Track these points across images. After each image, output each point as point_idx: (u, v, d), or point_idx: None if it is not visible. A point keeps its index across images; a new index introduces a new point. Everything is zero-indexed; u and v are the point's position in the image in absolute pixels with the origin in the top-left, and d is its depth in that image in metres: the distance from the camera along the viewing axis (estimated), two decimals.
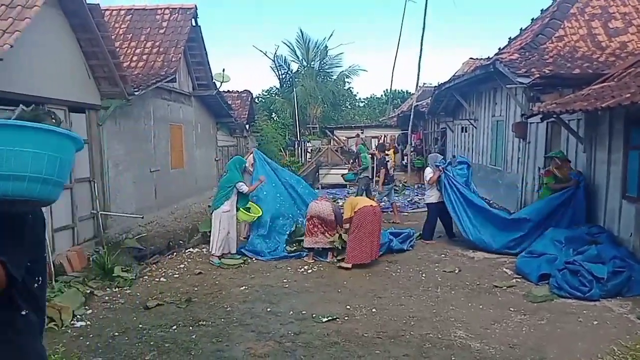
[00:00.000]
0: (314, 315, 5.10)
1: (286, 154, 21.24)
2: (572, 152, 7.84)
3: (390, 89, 30.38)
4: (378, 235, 7.17)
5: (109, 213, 8.32)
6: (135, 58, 10.66)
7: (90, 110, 7.99)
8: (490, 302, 5.49)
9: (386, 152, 12.53)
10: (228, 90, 17.76)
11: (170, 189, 10.81)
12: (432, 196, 8.45)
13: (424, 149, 18.09)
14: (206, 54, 12.42)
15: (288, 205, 8.34)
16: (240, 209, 7.54)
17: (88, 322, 5.05)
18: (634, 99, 5.02)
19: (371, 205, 7.25)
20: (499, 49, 11.87)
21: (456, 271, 6.72)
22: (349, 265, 6.85)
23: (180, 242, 8.69)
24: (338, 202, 12.92)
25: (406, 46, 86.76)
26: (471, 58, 19.27)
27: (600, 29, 9.94)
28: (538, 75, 8.21)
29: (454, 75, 14.66)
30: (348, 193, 14.58)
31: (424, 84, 23.43)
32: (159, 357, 4.20)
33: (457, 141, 15.44)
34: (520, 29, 12.11)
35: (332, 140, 23.44)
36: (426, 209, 8.96)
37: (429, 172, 8.51)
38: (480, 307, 5.34)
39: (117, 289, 6.15)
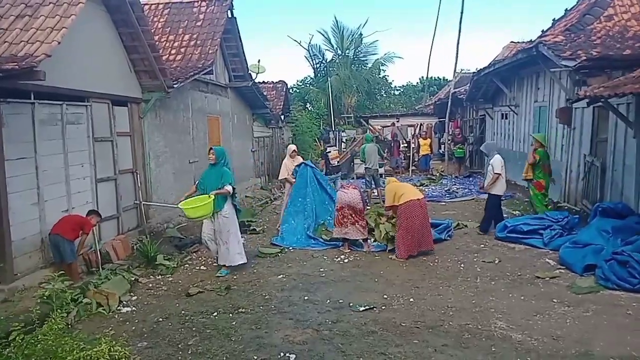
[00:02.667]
0: (351, 304, 5.12)
1: (321, 144, 21.24)
2: (620, 139, 7.46)
3: (427, 76, 29.69)
4: (428, 227, 7.11)
5: (151, 203, 8.59)
6: (173, 51, 10.88)
7: (132, 103, 8.23)
8: (532, 293, 5.34)
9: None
10: (263, 81, 17.88)
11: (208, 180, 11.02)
12: (496, 187, 8.08)
13: (464, 138, 17.57)
14: (242, 45, 12.53)
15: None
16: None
17: (133, 308, 5.26)
18: None
19: (417, 198, 7.05)
20: (542, 31, 11.36)
21: (496, 261, 6.57)
22: (403, 257, 6.80)
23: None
24: (374, 192, 12.87)
25: (443, 32, 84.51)
26: (512, 42, 18.57)
27: None
28: (585, 58, 7.83)
29: (494, 60, 14.18)
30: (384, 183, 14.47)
31: (462, 70, 22.82)
32: (201, 342, 4.33)
33: (497, 128, 14.98)
34: (565, 10, 11.54)
35: (367, 130, 23.24)
36: (472, 198, 8.69)
37: (498, 163, 8.04)
38: (522, 298, 5.20)
39: (159, 277, 6.37)
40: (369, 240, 7.44)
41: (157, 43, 9.07)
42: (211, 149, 6.71)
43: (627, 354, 3.84)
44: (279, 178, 9.40)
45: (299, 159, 9.44)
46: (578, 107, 8.75)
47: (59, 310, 3.27)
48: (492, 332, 4.33)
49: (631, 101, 7.03)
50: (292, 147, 9.66)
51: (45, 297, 4.76)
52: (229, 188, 6.34)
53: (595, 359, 3.78)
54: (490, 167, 8.20)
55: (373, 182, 12.00)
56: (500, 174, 8.00)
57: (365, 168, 12.03)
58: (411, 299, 5.25)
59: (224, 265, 6.46)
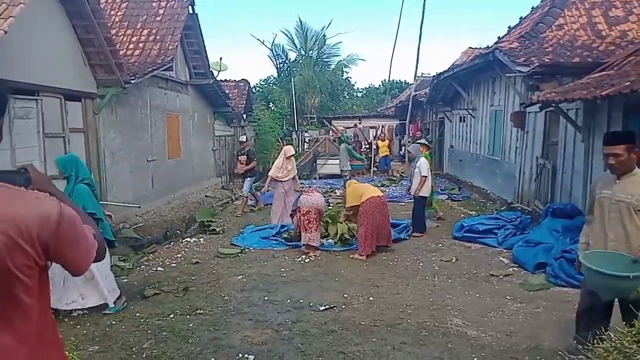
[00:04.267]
0: (311, 304, 5.11)
1: (284, 145, 21.18)
2: (570, 142, 7.83)
3: (389, 79, 30.28)
4: (388, 223, 7.22)
5: (106, 202, 8.26)
6: (131, 46, 10.55)
7: (86, 98, 7.92)
8: (486, 290, 5.50)
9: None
10: (225, 80, 17.63)
11: (167, 178, 10.77)
12: (423, 189, 8.17)
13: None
14: (203, 42, 12.32)
15: None
16: None
17: (85, 311, 5.03)
18: (634, 87, 4.99)
19: (378, 195, 7.15)
20: (499, 37, 11.78)
21: (453, 260, 6.73)
22: (364, 257, 6.84)
23: (178, 231, 8.69)
24: (336, 192, 12.98)
25: (405, 36, 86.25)
26: (470, 47, 19.18)
27: (600, 17, 9.87)
28: (537, 64, 8.15)
29: (453, 65, 14.57)
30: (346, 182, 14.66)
31: (422, 74, 23.31)
32: (157, 345, 4.20)
33: (455, 131, 15.39)
34: (520, 18, 12.01)
35: (330, 131, 23.36)
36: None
37: (424, 165, 8.16)
38: (477, 295, 5.35)
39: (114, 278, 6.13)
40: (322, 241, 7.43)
41: (114, 37, 8.77)
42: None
43: (573, 347, 4.01)
44: (270, 173, 9.38)
45: (293, 162, 9.39)
46: (531, 112, 9.11)
47: None
48: (448, 329, 4.43)
49: (580, 107, 7.38)
50: (291, 149, 9.40)
51: None
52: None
53: (545, 353, 3.92)
54: (417, 169, 8.27)
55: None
56: (426, 177, 8.12)
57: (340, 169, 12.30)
58: (371, 298, 5.30)
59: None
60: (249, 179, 11.04)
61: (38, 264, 1.25)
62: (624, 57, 7.70)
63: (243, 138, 11.63)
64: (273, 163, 9.64)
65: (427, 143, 9.31)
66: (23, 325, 1.24)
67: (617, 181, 3.25)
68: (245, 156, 11.24)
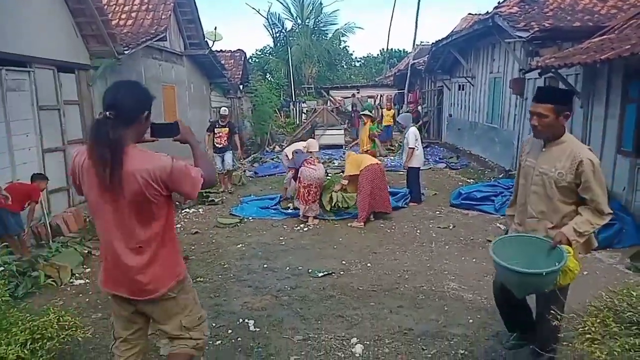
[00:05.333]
0: (309, 271, 5.18)
1: (281, 115, 21.02)
2: None
3: (387, 47, 29.75)
4: (386, 190, 7.29)
5: None
6: (123, 16, 10.33)
7: (79, 70, 7.80)
8: (483, 256, 5.57)
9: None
10: (221, 50, 17.37)
11: (164, 150, 10.70)
12: (413, 160, 8.09)
13: (418, 114, 17.22)
14: (197, 11, 12.05)
15: None
16: None
17: (87, 280, 5.12)
18: (634, 50, 4.94)
19: (377, 162, 7.22)
20: (499, 2, 11.54)
21: (450, 227, 6.79)
22: (362, 225, 6.89)
23: (177, 203, 8.71)
24: (334, 163, 12.97)
25: (403, 4, 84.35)
26: (470, 14, 18.81)
27: None
28: (537, 29, 8.03)
29: (452, 32, 14.32)
30: (344, 154, 14.56)
31: (422, 42, 22.94)
32: None
33: (454, 99, 15.27)
34: None
35: (328, 101, 23.16)
36: (429, 168, 8.81)
37: (412, 136, 8.02)
38: (474, 260, 5.43)
39: None
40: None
41: (105, 7, 8.59)
42: None
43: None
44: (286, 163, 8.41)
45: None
46: (530, 78, 9.01)
47: (2, 283, 3.12)
48: (445, 293, 4.51)
49: (579, 72, 7.31)
50: (315, 145, 7.65)
51: None
52: None
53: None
54: (405, 141, 8.19)
55: None
56: (414, 148, 8.01)
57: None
58: (369, 264, 5.37)
59: None
60: (230, 152, 9.89)
61: (162, 194, 2.13)
62: (626, 20, 7.57)
63: (225, 111, 9.95)
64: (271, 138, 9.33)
65: (370, 114, 9.22)
66: (155, 225, 2.18)
67: (544, 149, 2.81)
68: (227, 128, 9.81)
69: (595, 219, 2.68)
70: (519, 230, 2.97)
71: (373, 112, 13.87)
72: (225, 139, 9.79)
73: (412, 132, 8.15)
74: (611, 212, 2.73)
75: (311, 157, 7.25)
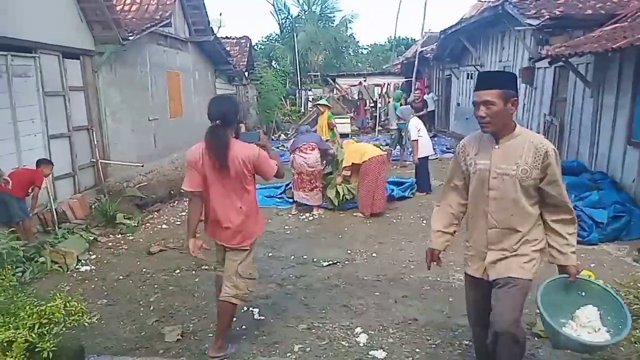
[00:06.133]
0: (314, 260, 5.17)
1: (287, 103, 20.91)
2: (579, 98, 7.66)
3: (395, 35, 29.46)
4: (383, 187, 7.13)
5: (109, 161, 8.29)
6: (128, 1, 10.26)
7: (84, 56, 7.77)
8: None
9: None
10: (226, 37, 17.23)
11: (169, 138, 10.70)
12: (420, 151, 8.08)
13: (424, 103, 16.23)
14: None
15: None
16: None
17: (92, 267, 5.14)
18: None
19: (380, 154, 7.08)
20: None
21: None
22: (368, 215, 6.85)
23: (182, 190, 8.72)
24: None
25: None
26: (479, 0, 18.50)
27: None
28: (548, 17, 7.89)
29: (461, 19, 14.11)
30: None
31: (430, 29, 22.66)
32: (163, 298, 4.29)
33: (462, 88, 15.11)
34: None
35: (334, 89, 23.01)
36: (436, 158, 8.76)
37: (413, 129, 8.03)
38: None
39: (120, 236, 6.23)
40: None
41: None
42: None
43: None
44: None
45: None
46: (540, 67, 8.88)
47: (10, 268, 3.13)
48: (450, 284, 4.49)
49: (590, 61, 7.18)
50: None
51: None
52: None
53: None
54: (408, 134, 8.23)
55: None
56: (416, 140, 8.00)
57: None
58: (374, 254, 5.35)
59: None
60: None
61: (250, 172, 3.09)
62: (638, 8, 7.41)
63: None
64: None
65: (327, 103, 9.44)
66: (247, 197, 3.14)
67: (497, 146, 2.40)
68: None
69: (571, 226, 2.43)
70: (468, 254, 2.65)
71: (402, 99, 13.77)
72: None
73: (413, 124, 8.12)
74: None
75: (305, 144, 7.08)
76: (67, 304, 2.80)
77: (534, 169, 2.33)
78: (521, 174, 2.33)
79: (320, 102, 9.76)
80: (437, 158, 11.96)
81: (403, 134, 10.62)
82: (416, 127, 8.05)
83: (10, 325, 2.60)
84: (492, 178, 2.40)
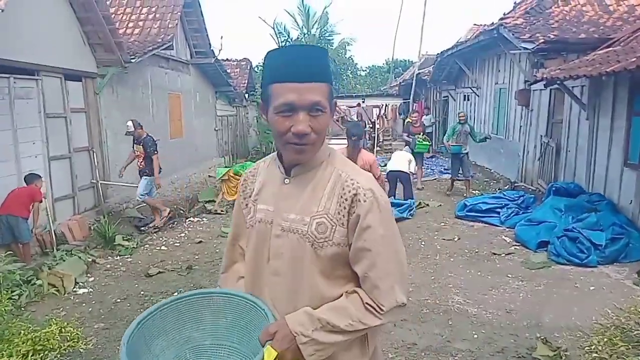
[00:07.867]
0: None
1: None
2: (574, 121, 7.75)
3: (392, 57, 29.85)
4: None
5: (109, 182, 8.32)
6: (130, 24, 10.44)
7: (86, 78, 7.87)
8: (488, 269, 5.53)
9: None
10: (227, 59, 17.47)
11: (169, 158, 10.76)
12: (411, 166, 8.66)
13: (423, 127, 14.82)
14: (204, 20, 12.16)
15: None
16: None
17: (90, 289, 5.11)
18: None
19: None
20: (504, 13, 11.57)
21: (455, 239, 6.74)
22: None
23: (181, 211, 8.72)
24: None
25: (409, 14, 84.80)
26: (475, 24, 18.84)
27: None
28: (542, 41, 8.03)
29: (457, 42, 14.35)
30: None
31: (427, 52, 23.00)
32: None
33: (459, 109, 15.25)
34: None
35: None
36: (434, 179, 8.83)
37: (411, 164, 8.57)
38: (479, 273, 5.38)
39: (118, 258, 6.21)
40: None
41: (112, 15, 8.69)
42: None
43: (572, 324, 4.05)
44: None
45: None
46: (536, 90, 9.00)
47: (6, 292, 3.12)
48: (449, 307, 4.47)
49: (585, 84, 7.29)
50: None
51: None
52: None
53: (544, 330, 3.95)
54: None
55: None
56: (414, 172, 8.79)
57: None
58: None
59: None
60: (146, 177, 7.58)
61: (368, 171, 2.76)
62: (631, 32, 7.56)
63: (130, 125, 7.60)
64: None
65: None
66: None
67: (286, 181, 1.37)
68: (141, 146, 7.55)
69: (363, 312, 1.29)
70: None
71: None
72: (142, 160, 7.61)
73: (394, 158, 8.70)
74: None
75: None
76: (63, 330, 2.80)
77: (339, 226, 1.29)
78: (316, 234, 1.29)
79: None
80: (435, 179, 12.02)
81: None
82: (409, 160, 8.61)
83: (4, 352, 2.59)
84: (274, 236, 1.35)
